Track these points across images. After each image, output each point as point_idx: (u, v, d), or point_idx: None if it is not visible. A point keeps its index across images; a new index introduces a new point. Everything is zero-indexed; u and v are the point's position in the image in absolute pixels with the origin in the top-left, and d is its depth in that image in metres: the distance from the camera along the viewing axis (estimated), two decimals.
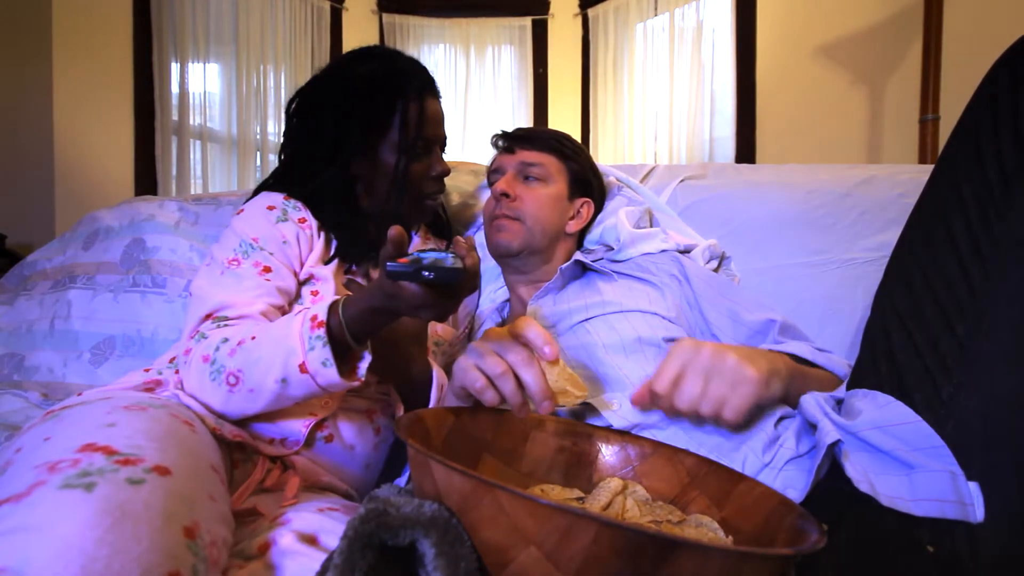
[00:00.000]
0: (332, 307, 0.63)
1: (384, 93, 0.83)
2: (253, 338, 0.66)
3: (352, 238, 0.84)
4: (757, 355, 0.61)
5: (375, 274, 0.88)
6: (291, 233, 0.80)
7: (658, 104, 3.20)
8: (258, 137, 3.04)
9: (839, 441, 0.54)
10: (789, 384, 0.64)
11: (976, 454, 0.49)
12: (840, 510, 0.52)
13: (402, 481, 0.73)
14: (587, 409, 0.69)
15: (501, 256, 0.94)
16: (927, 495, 0.49)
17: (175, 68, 2.74)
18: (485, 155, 1.05)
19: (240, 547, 0.56)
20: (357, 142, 0.83)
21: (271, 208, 0.81)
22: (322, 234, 0.83)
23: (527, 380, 0.56)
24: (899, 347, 0.56)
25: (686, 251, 0.95)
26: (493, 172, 0.97)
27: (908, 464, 0.51)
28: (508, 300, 0.99)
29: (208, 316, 0.72)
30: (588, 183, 0.98)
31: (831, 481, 0.55)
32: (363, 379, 0.65)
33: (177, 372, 0.71)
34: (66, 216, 2.32)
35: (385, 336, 0.69)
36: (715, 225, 1.06)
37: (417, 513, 0.39)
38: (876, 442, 0.53)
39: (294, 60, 3.13)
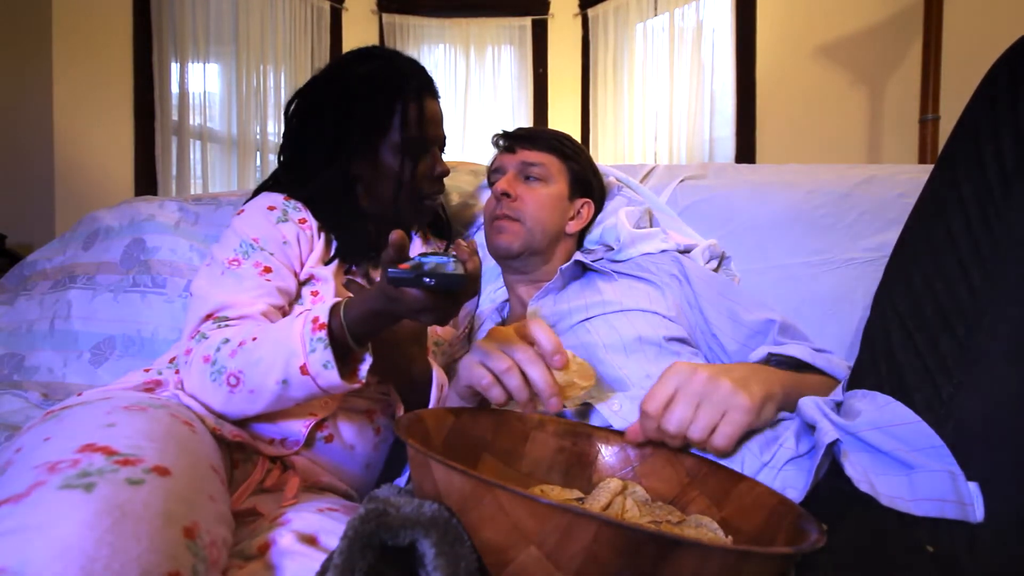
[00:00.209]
0: (333, 309, 0.63)
1: (383, 94, 0.83)
2: (254, 339, 0.66)
3: (352, 239, 0.84)
4: (753, 379, 0.60)
5: (375, 274, 0.88)
6: (291, 233, 0.80)
7: (658, 104, 3.20)
8: (258, 137, 3.04)
9: (838, 441, 0.54)
10: (784, 405, 0.63)
11: (976, 454, 0.49)
12: (840, 510, 0.52)
13: (402, 481, 0.73)
14: (587, 409, 0.69)
15: (501, 258, 0.94)
16: (927, 495, 0.49)
17: (175, 68, 2.74)
18: (485, 155, 1.05)
19: (240, 547, 0.56)
20: (356, 143, 0.83)
21: (271, 208, 0.81)
22: (322, 235, 0.83)
23: (533, 377, 0.56)
24: (899, 347, 0.56)
25: (686, 251, 0.95)
26: (494, 172, 0.97)
27: (908, 464, 0.51)
28: (508, 300, 0.99)
29: (209, 316, 0.72)
30: (588, 183, 0.98)
31: (831, 481, 0.55)
32: (364, 381, 0.65)
33: (177, 372, 0.71)
34: (66, 216, 2.32)
35: (386, 337, 0.69)
36: (715, 225, 1.06)
37: (417, 513, 0.39)
38: (876, 442, 0.53)
39: (294, 60, 3.13)
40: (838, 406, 0.61)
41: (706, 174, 1.15)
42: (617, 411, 0.67)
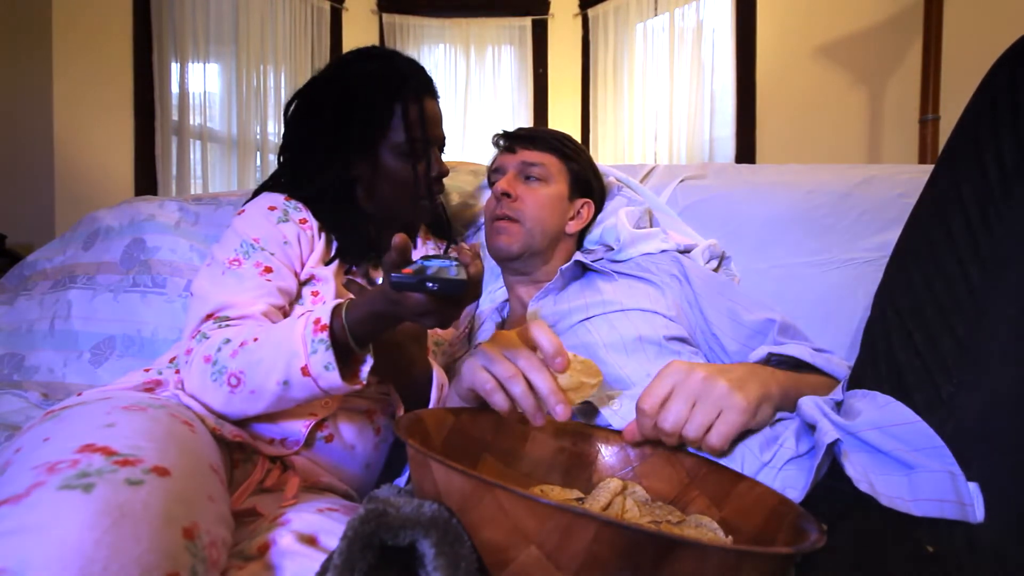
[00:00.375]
0: (335, 310, 0.63)
1: (383, 94, 0.83)
2: (255, 339, 0.66)
3: (352, 239, 0.84)
4: (750, 379, 0.60)
5: (375, 274, 0.88)
6: (292, 234, 0.80)
7: (658, 104, 3.20)
8: (258, 137, 3.04)
9: (838, 441, 0.54)
10: (782, 405, 0.63)
11: (976, 454, 0.49)
12: (840, 510, 0.52)
13: (402, 481, 0.73)
14: (588, 408, 0.69)
15: (501, 259, 0.94)
16: (927, 495, 0.48)
17: (175, 68, 2.74)
18: (485, 155, 1.05)
19: (240, 547, 0.56)
20: (356, 143, 0.83)
21: (272, 208, 0.81)
22: (323, 235, 0.83)
23: (538, 384, 0.56)
24: (899, 347, 0.56)
25: (686, 251, 0.95)
26: (494, 171, 0.97)
27: (908, 464, 0.51)
28: (508, 300, 0.99)
29: (209, 316, 0.72)
30: (588, 184, 0.98)
31: (831, 481, 0.55)
32: (365, 382, 0.65)
33: (177, 372, 0.71)
34: (66, 216, 2.32)
35: (386, 337, 0.69)
36: (715, 225, 1.06)
37: (417, 513, 0.39)
38: (876, 442, 0.53)
39: (294, 60, 3.13)
40: (838, 406, 0.61)
41: (706, 174, 1.15)
42: (617, 410, 0.67)
